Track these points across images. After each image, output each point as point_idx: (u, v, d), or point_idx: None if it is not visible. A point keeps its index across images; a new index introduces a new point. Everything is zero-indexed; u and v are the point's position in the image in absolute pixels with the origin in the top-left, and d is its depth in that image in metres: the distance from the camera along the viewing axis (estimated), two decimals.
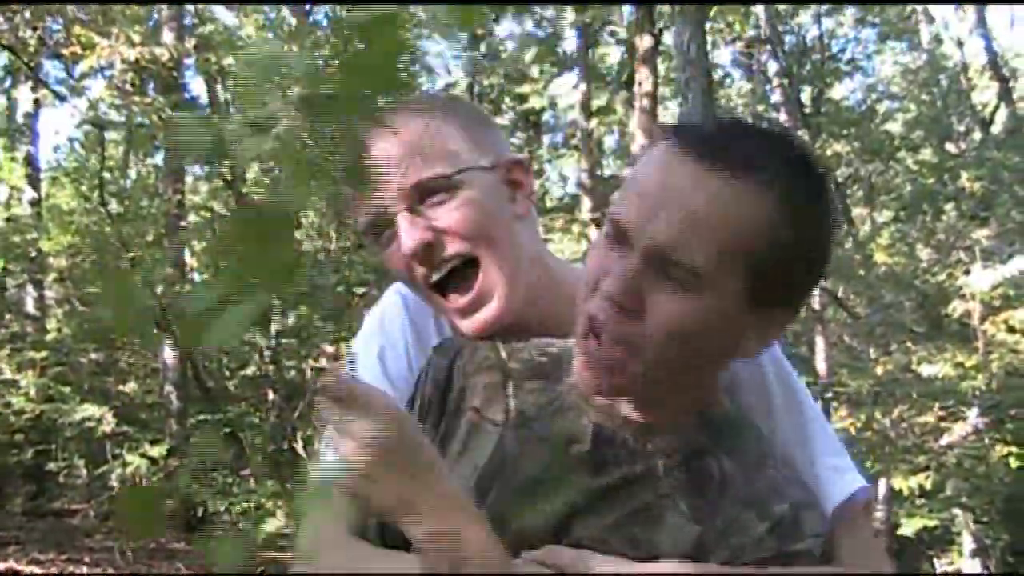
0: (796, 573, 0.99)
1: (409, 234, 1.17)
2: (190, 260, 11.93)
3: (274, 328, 10.95)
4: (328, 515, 1.09)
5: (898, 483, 6.79)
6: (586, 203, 13.78)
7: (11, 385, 10.50)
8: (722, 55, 17.40)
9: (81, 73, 11.17)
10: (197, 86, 13.39)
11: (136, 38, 10.30)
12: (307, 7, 11.39)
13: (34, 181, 12.46)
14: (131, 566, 8.55)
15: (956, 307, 7.43)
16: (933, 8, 14.87)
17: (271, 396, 11.81)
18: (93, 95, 11.45)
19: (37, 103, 12.40)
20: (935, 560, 8.68)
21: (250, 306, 0.48)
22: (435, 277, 1.20)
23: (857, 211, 16.86)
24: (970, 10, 13.31)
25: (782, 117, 14.27)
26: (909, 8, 16.00)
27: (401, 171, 1.17)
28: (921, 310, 8.36)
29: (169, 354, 10.97)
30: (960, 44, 13.78)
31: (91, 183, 12.30)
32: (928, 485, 6.84)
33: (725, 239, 0.93)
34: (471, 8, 0.46)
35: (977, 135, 12.87)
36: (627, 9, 13.75)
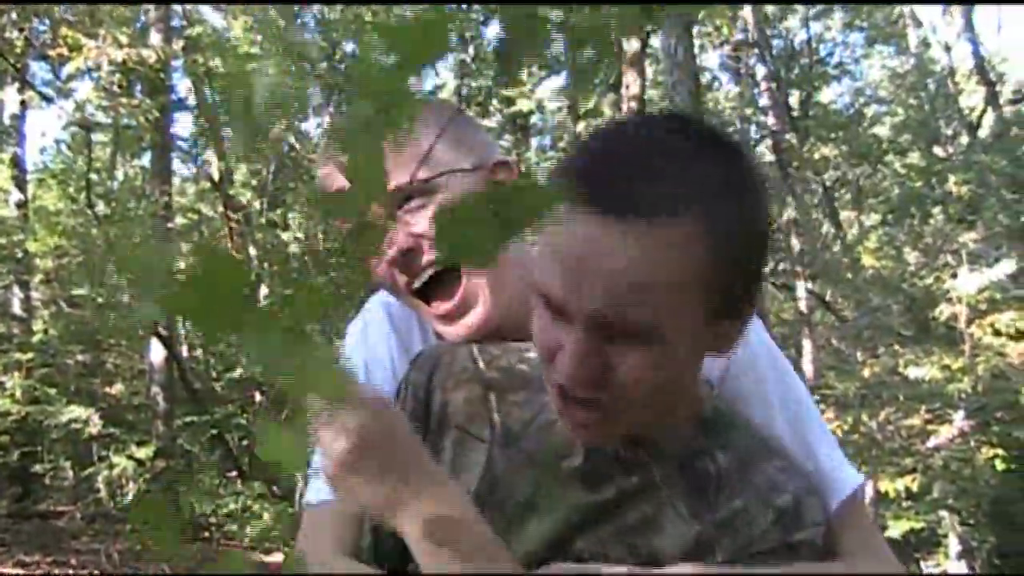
0: (800, 573, 0.98)
1: (388, 241, 1.14)
2: None
3: None
4: (324, 535, 1.08)
5: (885, 485, 6.78)
6: None
7: None
8: (710, 58, 17.49)
9: (68, 75, 11.14)
10: (184, 88, 13.38)
11: (124, 39, 10.27)
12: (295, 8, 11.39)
13: (21, 183, 12.36)
14: (117, 568, 8.50)
15: (943, 310, 7.43)
16: (921, 12, 14.94)
17: (258, 398, 11.79)
18: (80, 97, 11.45)
19: (24, 104, 12.30)
20: (921, 562, 8.69)
21: None
22: (417, 284, 1.18)
23: (845, 214, 16.94)
24: (957, 14, 13.36)
25: (770, 121, 14.33)
26: (897, 12, 16.08)
27: None
28: (908, 313, 8.36)
29: (156, 355, 10.95)
30: (948, 48, 13.82)
31: (78, 185, 12.29)
32: (915, 487, 6.83)
33: (665, 286, 0.87)
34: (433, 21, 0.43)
35: (964, 139, 12.90)
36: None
